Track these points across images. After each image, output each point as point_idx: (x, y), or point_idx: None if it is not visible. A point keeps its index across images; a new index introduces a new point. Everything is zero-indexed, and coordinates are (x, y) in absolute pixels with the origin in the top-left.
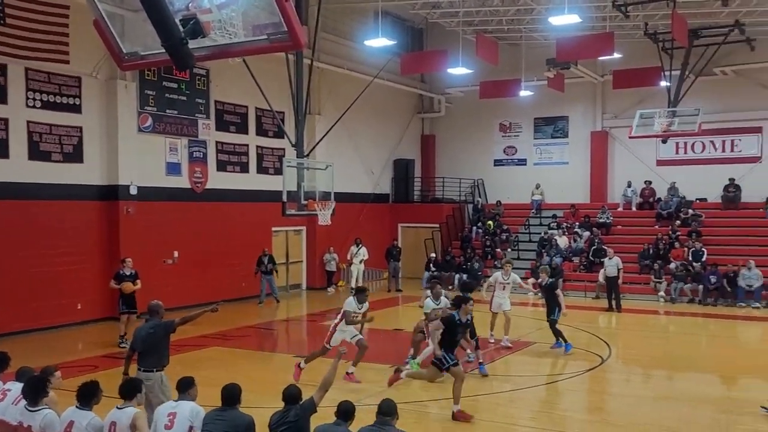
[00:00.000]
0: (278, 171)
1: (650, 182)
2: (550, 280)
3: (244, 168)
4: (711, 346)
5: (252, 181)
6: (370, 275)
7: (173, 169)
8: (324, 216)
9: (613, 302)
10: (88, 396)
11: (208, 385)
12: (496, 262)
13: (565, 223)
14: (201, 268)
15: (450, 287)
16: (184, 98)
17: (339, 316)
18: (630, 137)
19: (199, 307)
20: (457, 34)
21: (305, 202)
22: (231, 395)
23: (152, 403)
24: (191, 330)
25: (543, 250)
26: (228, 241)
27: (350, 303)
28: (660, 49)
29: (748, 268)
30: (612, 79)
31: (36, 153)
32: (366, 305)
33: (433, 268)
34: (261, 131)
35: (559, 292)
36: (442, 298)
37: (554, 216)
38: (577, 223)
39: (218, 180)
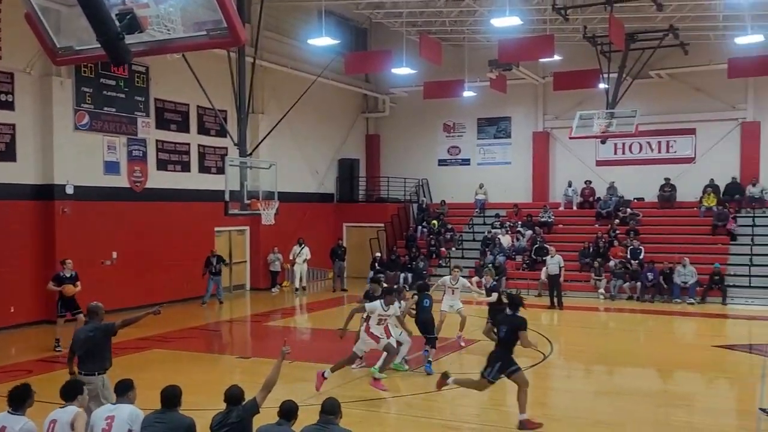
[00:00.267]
0: (221, 170)
1: (590, 182)
2: (494, 283)
3: (186, 167)
4: (649, 342)
5: (194, 180)
6: (314, 275)
7: (111, 168)
8: (267, 216)
9: (555, 300)
10: (19, 400)
11: (148, 387)
12: (440, 261)
13: (508, 223)
14: (141, 269)
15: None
16: (123, 95)
17: (364, 321)
18: (570, 138)
19: (140, 309)
20: (401, 35)
21: (248, 202)
22: (170, 397)
23: (92, 409)
24: (130, 332)
25: (486, 249)
26: (169, 242)
27: (376, 306)
28: (598, 52)
29: (683, 266)
30: (553, 80)
31: None
32: (394, 307)
33: (378, 268)
34: (203, 130)
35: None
36: (395, 304)
37: (497, 215)
38: (520, 222)
39: (159, 179)
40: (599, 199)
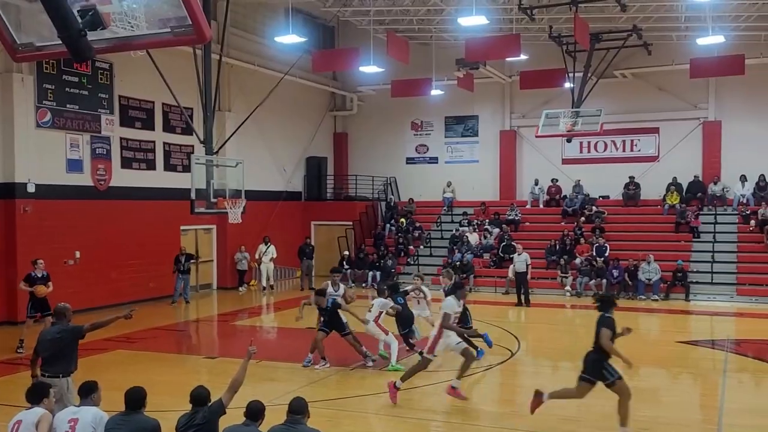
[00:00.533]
0: (186, 168)
1: (556, 180)
2: (450, 286)
3: (151, 165)
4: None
5: (159, 178)
6: (282, 273)
7: (74, 166)
8: (234, 214)
9: (522, 297)
10: None
11: (112, 389)
12: (409, 259)
13: (475, 220)
14: (105, 268)
15: (364, 284)
16: (86, 92)
17: (439, 321)
18: (537, 136)
19: (103, 309)
20: (369, 33)
21: (215, 200)
22: (135, 399)
23: (55, 412)
24: (95, 332)
25: (454, 247)
26: (134, 241)
27: (450, 304)
28: (564, 52)
29: (648, 263)
30: (519, 79)
31: None
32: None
33: (346, 266)
34: (168, 127)
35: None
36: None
37: (465, 213)
38: (487, 220)
39: (123, 177)
40: (565, 197)
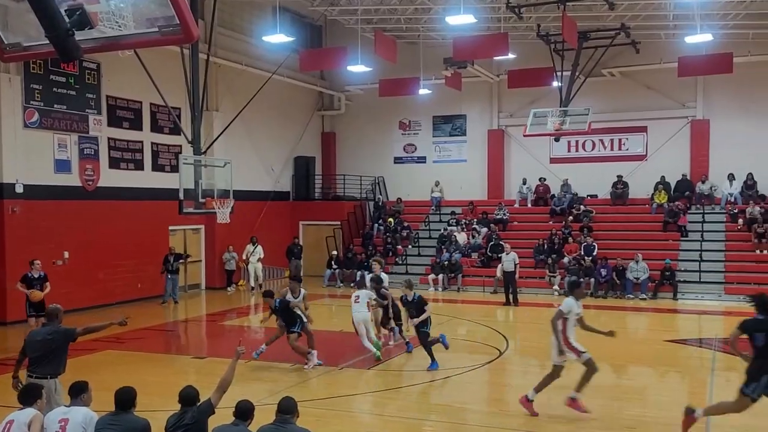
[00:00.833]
0: (175, 168)
1: (544, 179)
2: (417, 294)
3: (139, 165)
4: (602, 337)
5: (147, 178)
6: (270, 273)
7: (62, 166)
8: (223, 214)
9: (511, 296)
10: None
11: (102, 389)
12: (397, 259)
13: (463, 220)
14: (94, 269)
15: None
16: (74, 92)
17: (560, 322)
18: (525, 135)
19: (93, 309)
20: (356, 32)
21: (203, 200)
22: (125, 399)
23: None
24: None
25: (443, 247)
26: (122, 241)
27: (569, 304)
28: (552, 51)
29: (636, 262)
30: (507, 78)
31: None
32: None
33: (334, 266)
34: (156, 127)
35: (428, 307)
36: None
37: (453, 213)
38: (476, 220)
39: (111, 178)
40: (553, 196)
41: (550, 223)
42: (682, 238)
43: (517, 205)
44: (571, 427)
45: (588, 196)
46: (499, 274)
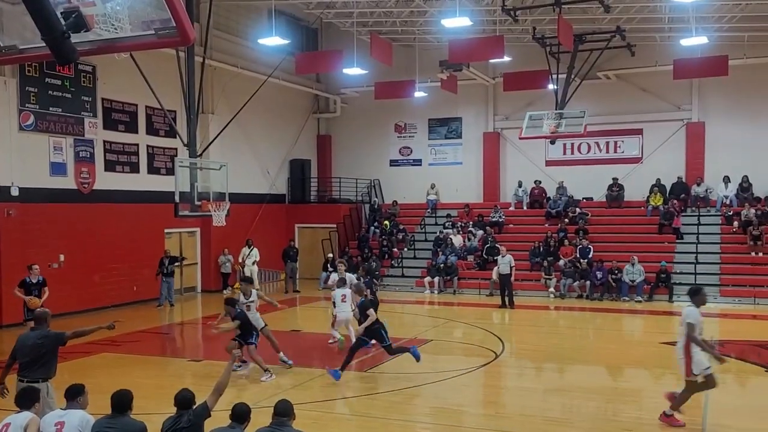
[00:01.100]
0: (170, 171)
1: (540, 182)
2: (362, 299)
3: (134, 168)
4: (598, 339)
5: (143, 181)
6: (266, 276)
7: (58, 169)
8: (218, 217)
9: (506, 299)
10: None
11: (98, 392)
12: (393, 262)
13: (459, 223)
14: (89, 272)
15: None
16: (69, 95)
17: (684, 333)
18: (520, 138)
19: (88, 312)
20: (352, 35)
21: (199, 203)
22: (121, 402)
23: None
24: None
25: (438, 249)
26: (118, 244)
27: (693, 313)
28: (547, 53)
29: (632, 264)
30: (503, 81)
31: None
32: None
33: (330, 269)
34: (152, 130)
35: (371, 312)
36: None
37: (449, 215)
38: (471, 223)
39: (107, 180)
40: (549, 198)
41: (546, 225)
42: (678, 241)
43: (512, 208)
44: (567, 429)
45: (583, 198)
46: (494, 276)
